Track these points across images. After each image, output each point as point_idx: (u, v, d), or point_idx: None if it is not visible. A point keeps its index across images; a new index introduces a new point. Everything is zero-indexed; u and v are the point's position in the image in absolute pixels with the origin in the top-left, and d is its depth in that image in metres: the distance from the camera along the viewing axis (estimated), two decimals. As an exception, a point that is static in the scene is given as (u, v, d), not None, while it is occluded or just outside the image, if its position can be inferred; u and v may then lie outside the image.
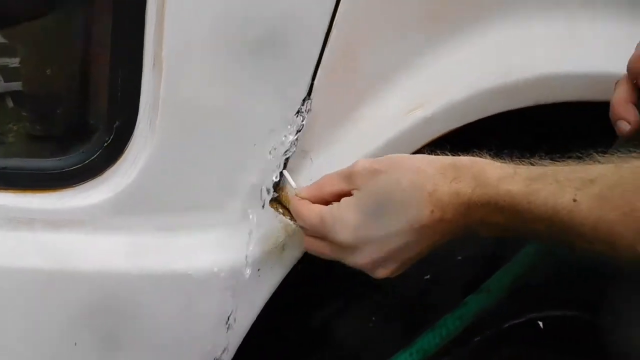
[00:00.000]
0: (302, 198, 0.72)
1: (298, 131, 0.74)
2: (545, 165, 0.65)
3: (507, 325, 0.96)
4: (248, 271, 0.74)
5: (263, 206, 0.75)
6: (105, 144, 0.70)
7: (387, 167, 0.68)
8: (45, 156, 0.72)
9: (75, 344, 0.73)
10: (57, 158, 0.71)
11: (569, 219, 0.59)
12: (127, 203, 0.72)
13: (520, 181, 0.63)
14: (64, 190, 0.71)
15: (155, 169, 0.71)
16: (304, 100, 0.73)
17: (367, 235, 0.67)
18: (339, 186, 0.70)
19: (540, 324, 1.03)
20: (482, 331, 0.96)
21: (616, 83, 0.73)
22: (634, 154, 0.61)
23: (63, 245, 0.71)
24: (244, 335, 0.78)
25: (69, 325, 0.72)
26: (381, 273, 0.69)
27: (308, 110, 0.73)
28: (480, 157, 0.68)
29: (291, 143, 0.73)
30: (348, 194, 0.70)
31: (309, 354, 0.92)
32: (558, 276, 0.95)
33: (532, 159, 0.67)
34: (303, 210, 0.71)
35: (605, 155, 0.63)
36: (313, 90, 0.73)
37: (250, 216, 0.75)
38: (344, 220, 0.68)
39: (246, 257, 0.75)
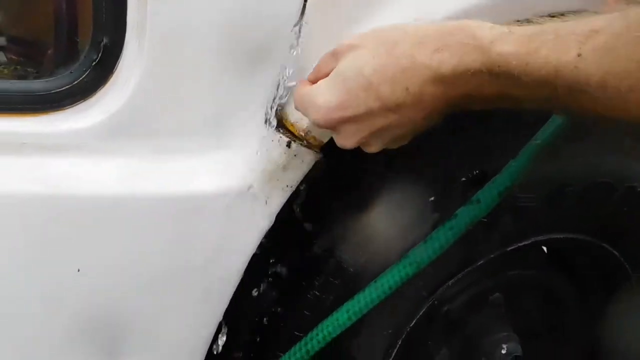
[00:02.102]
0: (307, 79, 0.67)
1: (295, 46, 0.69)
2: (544, 23, 0.57)
3: (512, 248, 0.93)
4: (248, 194, 0.71)
5: (267, 124, 0.70)
6: (94, 63, 0.65)
7: (365, 41, 0.61)
8: (33, 78, 0.68)
9: (79, 270, 0.71)
10: (45, 79, 0.66)
11: (573, 76, 0.51)
12: (120, 126, 0.67)
13: (516, 41, 0.54)
14: (54, 113, 0.66)
15: (147, 90, 0.66)
16: (301, 14, 0.67)
17: (340, 117, 0.62)
18: (330, 65, 0.64)
19: (545, 249, 1.01)
20: (486, 254, 0.94)
21: None
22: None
23: (56, 170, 0.67)
24: (247, 261, 0.75)
25: (64, 251, 0.69)
26: (371, 150, 0.65)
27: (304, 24, 0.67)
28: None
29: (289, 58, 0.68)
30: None
31: (310, 281, 0.90)
32: (562, 199, 0.92)
33: (529, 19, 0.60)
34: (296, 92, 0.67)
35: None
36: (307, 5, 0.67)
37: (249, 137, 0.71)
38: (315, 103, 0.63)
39: (246, 179, 0.71)
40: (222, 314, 0.77)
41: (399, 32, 0.60)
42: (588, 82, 0.51)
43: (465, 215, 0.77)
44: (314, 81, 0.66)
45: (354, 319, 0.81)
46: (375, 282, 0.81)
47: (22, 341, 0.73)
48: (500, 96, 0.57)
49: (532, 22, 0.59)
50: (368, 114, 0.60)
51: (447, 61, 0.56)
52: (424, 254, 0.79)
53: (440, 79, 0.57)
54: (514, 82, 0.54)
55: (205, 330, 0.78)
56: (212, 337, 0.78)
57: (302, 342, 0.81)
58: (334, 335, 0.81)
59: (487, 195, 0.78)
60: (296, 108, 0.68)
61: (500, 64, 0.55)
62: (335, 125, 0.63)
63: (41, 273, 0.71)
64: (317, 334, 0.81)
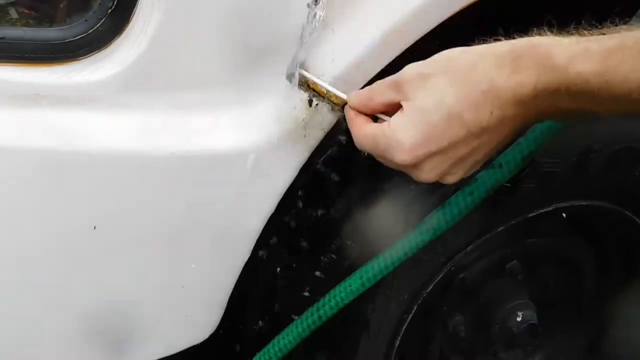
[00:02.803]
0: (352, 107, 0.64)
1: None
2: (621, 32, 0.55)
3: (532, 214, 0.91)
4: (268, 151, 0.68)
5: (288, 81, 0.67)
6: (110, 10, 0.62)
7: (438, 69, 0.59)
8: (47, 26, 0.65)
9: (95, 227, 0.69)
10: (59, 27, 0.63)
11: None
12: (137, 78, 0.65)
13: (593, 59, 0.53)
14: (68, 63, 0.64)
15: (165, 40, 0.63)
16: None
17: (425, 152, 0.59)
18: (389, 96, 0.62)
19: (564, 215, 0.99)
20: (506, 221, 0.91)
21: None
22: None
23: (72, 124, 0.65)
24: (266, 218, 0.73)
25: (79, 208, 0.67)
26: (452, 180, 0.63)
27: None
28: (541, 35, 0.58)
29: (312, 8, 0.65)
30: (398, 104, 0.61)
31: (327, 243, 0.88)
32: (587, 165, 0.90)
33: (603, 27, 0.57)
34: (357, 132, 0.64)
35: None
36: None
37: (270, 93, 0.68)
38: (399, 142, 0.60)
39: (266, 137, 0.68)
40: (240, 271, 0.75)
41: (472, 56, 0.58)
42: None
43: (486, 180, 0.74)
44: (362, 108, 0.64)
45: (368, 285, 0.79)
46: (390, 248, 0.79)
47: (33, 297, 0.71)
48: (578, 111, 0.56)
49: (604, 29, 0.56)
50: (453, 145, 0.59)
51: (526, 82, 0.55)
52: (441, 220, 0.76)
53: (520, 100, 0.56)
54: (593, 99, 0.54)
55: (223, 286, 0.76)
56: (229, 294, 0.77)
57: (314, 308, 0.79)
58: (346, 302, 0.79)
59: (510, 159, 0.74)
60: (362, 149, 0.64)
61: (577, 82, 0.53)
62: (418, 163, 0.60)
63: (57, 230, 0.69)
64: (330, 300, 0.79)
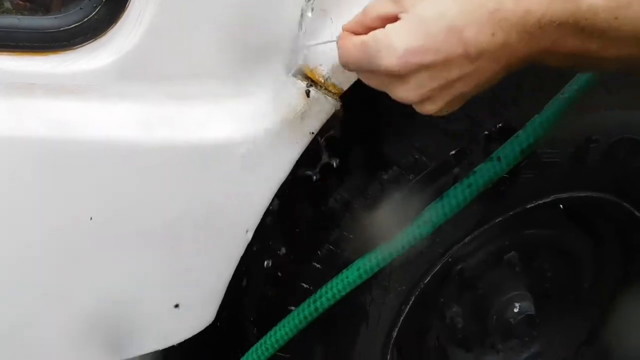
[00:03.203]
0: (345, 29, 0.59)
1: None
2: None
3: (531, 205, 0.90)
4: (265, 142, 0.67)
5: (286, 70, 0.66)
6: (104, -2, 0.61)
7: None
8: (41, 14, 0.64)
9: (91, 218, 0.68)
10: (54, 15, 0.62)
11: None
12: (133, 67, 0.64)
13: None
14: (63, 52, 0.62)
15: (161, 29, 0.62)
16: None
17: (417, 62, 0.55)
18: (385, 9, 0.57)
19: (561, 206, 0.98)
20: (504, 211, 0.91)
21: None
22: None
23: (67, 113, 0.64)
24: (264, 210, 0.72)
25: (75, 198, 0.67)
26: (429, 108, 0.59)
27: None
28: None
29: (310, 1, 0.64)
30: (395, 18, 0.57)
31: (325, 235, 0.88)
32: (586, 156, 0.89)
33: None
34: (345, 43, 0.58)
35: None
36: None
37: (267, 84, 0.67)
38: (391, 45, 0.55)
39: (263, 127, 0.68)
40: (237, 261, 0.75)
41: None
42: None
43: (484, 173, 0.73)
44: (362, 30, 0.59)
45: (365, 277, 0.78)
46: (388, 240, 0.78)
47: (30, 288, 0.71)
48: (580, 53, 0.53)
49: None
50: (447, 62, 0.55)
51: (535, 9, 0.52)
52: (439, 212, 0.75)
53: (526, 28, 0.53)
54: (599, 38, 0.51)
55: (220, 278, 0.76)
56: (227, 285, 0.77)
57: (311, 299, 0.79)
58: (343, 294, 0.78)
59: (509, 152, 0.73)
60: (348, 61, 0.59)
61: (587, 16, 0.51)
62: (407, 73, 0.56)
63: (52, 220, 0.68)
64: (327, 292, 0.78)
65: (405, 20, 0.56)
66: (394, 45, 0.55)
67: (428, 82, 0.56)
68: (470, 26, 0.53)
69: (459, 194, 0.74)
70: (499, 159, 0.73)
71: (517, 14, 0.52)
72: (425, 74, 0.56)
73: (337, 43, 0.60)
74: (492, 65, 0.55)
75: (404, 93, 0.58)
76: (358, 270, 0.77)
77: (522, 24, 0.52)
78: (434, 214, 0.75)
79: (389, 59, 0.55)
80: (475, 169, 0.74)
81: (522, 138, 0.73)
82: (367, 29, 0.58)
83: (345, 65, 0.60)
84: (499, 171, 0.73)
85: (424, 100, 0.58)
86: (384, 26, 0.57)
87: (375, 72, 0.57)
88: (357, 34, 0.59)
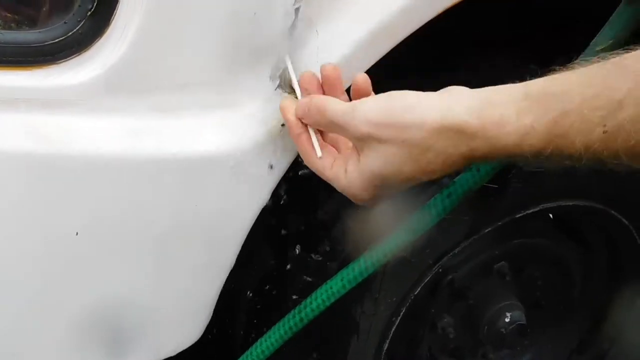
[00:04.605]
0: (297, 116, 0.66)
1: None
2: (566, 87, 0.55)
3: (519, 215, 0.90)
4: (253, 154, 0.66)
5: (272, 82, 0.66)
6: (89, 12, 0.60)
7: (392, 139, 0.59)
8: (25, 29, 0.63)
9: (77, 233, 0.67)
10: (37, 30, 0.61)
11: (602, 149, 0.53)
12: (118, 80, 0.62)
13: (542, 134, 0.54)
14: (48, 66, 0.61)
15: (146, 42, 0.61)
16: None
17: (379, 201, 0.65)
18: (338, 132, 0.64)
19: (550, 215, 0.98)
20: (493, 221, 0.90)
21: None
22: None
23: (50, 127, 0.62)
24: (252, 222, 0.71)
25: (60, 213, 0.65)
26: (364, 196, 0.65)
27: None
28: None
29: (296, 11, 0.63)
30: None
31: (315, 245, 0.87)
32: (573, 165, 0.89)
33: (546, 71, 0.57)
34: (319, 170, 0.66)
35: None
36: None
37: (254, 96, 0.66)
38: (350, 193, 0.65)
39: (250, 139, 0.67)
40: (227, 275, 0.73)
41: (425, 133, 0.58)
42: (617, 152, 0.53)
43: (463, 182, 0.74)
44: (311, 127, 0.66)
45: (349, 287, 0.77)
46: (370, 250, 0.78)
47: (17, 303, 0.69)
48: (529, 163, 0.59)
49: (554, 73, 0.57)
50: (403, 189, 0.64)
51: (478, 153, 0.58)
52: (421, 221, 0.76)
53: (470, 160, 0.59)
54: (544, 158, 0.56)
55: (209, 291, 0.74)
56: (216, 299, 0.75)
57: (296, 310, 0.78)
58: (328, 304, 0.77)
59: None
60: (330, 113, 0.64)
61: (530, 153, 0.56)
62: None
63: (37, 237, 0.67)
64: (311, 302, 0.78)
65: (363, 171, 0.63)
66: (353, 194, 0.65)
67: (384, 198, 0.66)
68: (424, 174, 0.61)
69: (438, 204, 0.75)
70: (478, 169, 0.74)
71: (461, 157, 0.59)
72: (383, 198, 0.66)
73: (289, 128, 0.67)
74: (421, 157, 0.61)
75: (364, 203, 0.67)
76: (342, 280, 0.77)
77: (466, 161, 0.59)
78: (415, 222, 0.76)
79: (355, 201, 0.66)
80: (455, 179, 0.75)
81: None
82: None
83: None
84: (478, 181, 0.74)
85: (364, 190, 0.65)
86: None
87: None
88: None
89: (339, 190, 0.66)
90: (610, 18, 0.70)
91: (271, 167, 0.69)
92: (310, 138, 0.66)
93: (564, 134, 0.54)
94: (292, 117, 0.66)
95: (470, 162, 0.60)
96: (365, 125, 0.60)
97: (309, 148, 0.66)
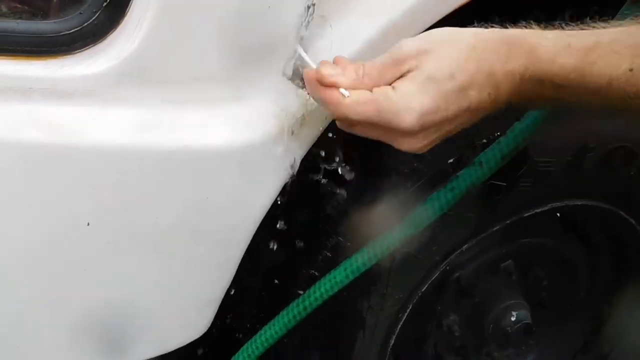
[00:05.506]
0: (341, 85, 0.61)
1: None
2: (598, 29, 0.60)
3: (528, 214, 0.90)
4: (264, 148, 0.66)
5: (285, 76, 0.66)
6: (105, 3, 0.60)
7: (440, 45, 0.60)
8: (41, 19, 0.63)
9: (88, 224, 0.67)
10: (53, 20, 0.61)
11: (624, 87, 0.57)
12: (132, 72, 0.62)
13: (574, 54, 0.59)
14: (62, 57, 0.61)
15: (161, 34, 0.61)
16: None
17: (432, 120, 0.60)
18: (388, 77, 0.60)
19: (558, 215, 0.97)
20: (501, 220, 0.90)
21: None
22: None
23: (65, 118, 0.62)
24: (262, 216, 0.71)
25: (71, 204, 0.65)
26: (423, 150, 0.63)
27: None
28: (529, 28, 0.62)
29: (308, 7, 0.63)
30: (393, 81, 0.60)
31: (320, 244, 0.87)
32: (582, 164, 0.88)
33: (582, 24, 0.62)
34: (335, 97, 0.60)
35: None
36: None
37: (266, 89, 0.66)
38: (409, 107, 0.59)
39: (262, 133, 0.67)
40: (235, 268, 0.73)
41: (471, 39, 0.60)
42: (638, 93, 0.57)
43: (466, 177, 0.75)
44: (354, 85, 0.61)
45: (352, 277, 0.78)
46: (373, 241, 0.78)
47: (23, 295, 0.69)
48: (556, 101, 0.61)
49: (583, 25, 0.61)
50: (454, 117, 0.61)
51: (516, 71, 0.59)
52: (423, 215, 0.77)
53: (511, 87, 0.60)
54: (572, 91, 0.59)
55: (218, 284, 0.74)
56: (225, 291, 0.75)
57: (300, 299, 0.79)
58: (331, 294, 0.78)
59: (490, 157, 0.75)
60: (351, 116, 0.61)
61: (560, 74, 0.59)
62: (421, 129, 0.60)
63: (48, 226, 0.66)
64: (315, 292, 0.78)
65: (417, 81, 0.60)
66: (413, 107, 0.59)
67: (433, 134, 0.62)
68: (474, 88, 0.59)
69: (441, 198, 0.76)
70: (480, 164, 0.75)
71: (503, 76, 0.60)
72: (433, 129, 0.61)
73: (322, 95, 0.62)
74: (480, 115, 0.62)
75: (411, 146, 0.62)
76: (345, 270, 0.78)
77: (508, 84, 0.60)
78: (417, 216, 0.77)
79: (408, 120, 0.59)
80: (458, 174, 0.76)
81: (503, 144, 0.75)
82: (365, 85, 0.61)
83: (344, 119, 0.63)
84: (481, 176, 0.75)
85: (423, 147, 0.63)
86: (387, 83, 0.60)
87: (383, 128, 0.61)
88: (340, 86, 0.61)
89: (381, 117, 0.60)
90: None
91: (282, 160, 0.69)
92: (334, 86, 0.61)
93: (594, 61, 0.58)
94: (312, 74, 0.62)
95: (510, 81, 0.59)
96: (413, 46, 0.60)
97: (335, 95, 0.61)
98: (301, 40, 0.65)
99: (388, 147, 0.84)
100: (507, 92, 0.60)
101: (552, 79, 0.59)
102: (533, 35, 0.61)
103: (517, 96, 0.61)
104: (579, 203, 0.93)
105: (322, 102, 0.62)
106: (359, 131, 0.64)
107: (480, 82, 0.59)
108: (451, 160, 0.81)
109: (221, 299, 0.75)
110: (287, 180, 0.71)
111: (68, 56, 0.62)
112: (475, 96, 0.60)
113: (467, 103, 0.60)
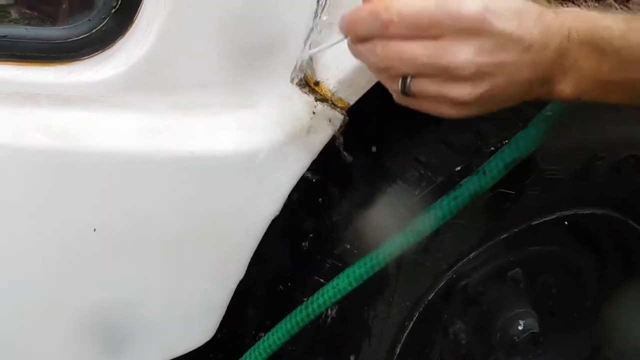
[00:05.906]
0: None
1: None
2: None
3: (536, 222, 0.89)
4: (271, 155, 0.66)
5: (292, 84, 0.66)
6: (113, 10, 0.60)
7: None
8: (50, 26, 0.63)
9: (95, 229, 0.67)
10: (62, 27, 0.62)
11: None
12: (139, 78, 0.63)
13: (619, 19, 0.57)
14: (71, 63, 0.62)
15: (168, 41, 0.62)
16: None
17: (491, 21, 0.54)
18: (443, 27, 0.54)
19: (566, 223, 0.97)
20: (509, 228, 0.90)
21: None
22: None
23: (73, 124, 0.63)
24: (268, 223, 0.71)
25: (79, 209, 0.65)
26: (475, 91, 0.56)
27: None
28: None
29: (316, 12, 0.63)
30: None
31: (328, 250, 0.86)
32: (591, 172, 0.88)
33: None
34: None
35: None
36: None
37: (273, 97, 0.66)
38: None
39: (268, 140, 0.66)
40: (241, 276, 0.73)
41: None
42: None
43: (470, 186, 0.74)
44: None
45: (355, 284, 0.77)
46: (376, 249, 0.78)
47: (29, 299, 0.69)
48: (591, 76, 0.57)
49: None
50: (511, 37, 0.55)
51: (564, 25, 0.56)
52: (426, 222, 0.76)
53: (561, 38, 0.56)
54: (611, 56, 0.56)
55: (222, 292, 0.74)
56: (229, 299, 0.75)
57: (303, 306, 0.79)
58: (334, 300, 0.78)
59: (494, 166, 0.74)
60: (408, 11, 0.54)
61: (604, 36, 0.56)
62: (482, 28, 0.54)
63: (55, 231, 0.67)
64: (318, 298, 0.78)
65: None
66: None
67: (487, 80, 0.55)
68: (529, 19, 0.55)
69: (445, 206, 0.75)
70: (484, 172, 0.75)
71: (551, 26, 0.56)
72: (489, 40, 0.54)
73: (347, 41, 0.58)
74: (528, 69, 0.56)
75: (458, 91, 0.56)
76: (348, 277, 0.77)
77: (557, 34, 0.56)
78: (420, 223, 0.76)
79: (473, 5, 0.53)
80: (461, 182, 0.75)
81: (506, 153, 0.74)
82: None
83: (394, 33, 0.55)
84: (484, 185, 0.75)
85: (476, 76, 0.55)
86: None
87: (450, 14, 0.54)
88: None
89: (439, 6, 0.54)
90: None
91: (288, 167, 0.69)
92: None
93: (638, 29, 0.56)
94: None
95: (558, 30, 0.56)
96: None
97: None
98: (309, 46, 0.65)
99: (395, 152, 0.84)
100: (553, 47, 0.55)
101: (595, 40, 0.56)
102: (575, 4, 0.63)
103: (559, 59, 0.56)
104: (588, 212, 0.93)
105: (369, 17, 0.55)
106: (410, 104, 0.58)
107: (534, 17, 0.55)
108: (458, 168, 0.80)
109: (226, 305, 0.75)
110: (293, 187, 0.71)
111: (76, 62, 0.62)
112: (531, 26, 0.55)
113: (528, 30, 0.54)
